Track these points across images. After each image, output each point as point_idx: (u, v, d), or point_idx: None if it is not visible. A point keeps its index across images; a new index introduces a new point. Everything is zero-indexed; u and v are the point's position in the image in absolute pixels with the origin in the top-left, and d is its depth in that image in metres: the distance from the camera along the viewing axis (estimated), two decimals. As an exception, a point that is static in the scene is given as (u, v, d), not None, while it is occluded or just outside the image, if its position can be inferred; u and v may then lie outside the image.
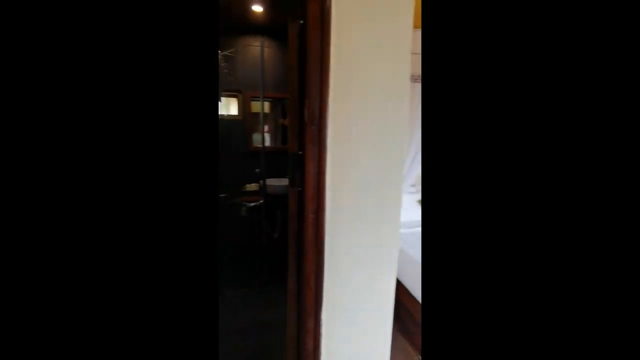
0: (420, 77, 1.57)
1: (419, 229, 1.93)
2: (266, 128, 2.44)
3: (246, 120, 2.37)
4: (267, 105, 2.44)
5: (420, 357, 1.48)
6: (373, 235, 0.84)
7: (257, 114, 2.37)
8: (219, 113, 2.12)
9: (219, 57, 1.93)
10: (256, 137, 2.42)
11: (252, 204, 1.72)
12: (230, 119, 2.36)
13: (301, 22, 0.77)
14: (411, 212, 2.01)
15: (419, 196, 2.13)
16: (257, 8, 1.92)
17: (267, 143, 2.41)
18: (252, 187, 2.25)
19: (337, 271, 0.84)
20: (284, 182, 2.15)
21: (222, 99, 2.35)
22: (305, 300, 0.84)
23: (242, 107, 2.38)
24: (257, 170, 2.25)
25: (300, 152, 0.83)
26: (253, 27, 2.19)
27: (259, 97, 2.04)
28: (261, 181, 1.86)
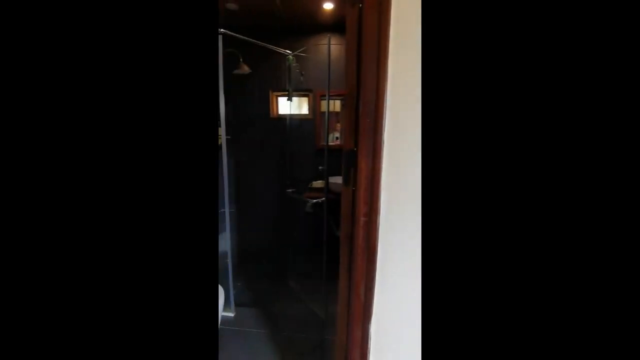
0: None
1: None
2: (338, 126, 2.44)
3: (316, 119, 2.42)
4: (337, 103, 2.43)
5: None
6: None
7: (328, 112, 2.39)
8: (291, 112, 2.21)
9: (290, 56, 2.01)
10: (331, 135, 2.45)
11: (315, 201, 1.74)
12: (300, 118, 2.45)
13: (360, 5, 0.70)
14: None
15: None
16: (328, 5, 1.92)
17: (339, 141, 2.40)
18: (318, 184, 2.28)
19: (389, 281, 0.74)
20: (350, 180, 2.10)
21: (294, 99, 2.45)
22: (353, 309, 0.77)
23: (313, 106, 2.44)
24: (320, 167, 2.26)
25: (355, 149, 0.77)
26: (323, 25, 2.20)
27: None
28: (327, 179, 1.87)
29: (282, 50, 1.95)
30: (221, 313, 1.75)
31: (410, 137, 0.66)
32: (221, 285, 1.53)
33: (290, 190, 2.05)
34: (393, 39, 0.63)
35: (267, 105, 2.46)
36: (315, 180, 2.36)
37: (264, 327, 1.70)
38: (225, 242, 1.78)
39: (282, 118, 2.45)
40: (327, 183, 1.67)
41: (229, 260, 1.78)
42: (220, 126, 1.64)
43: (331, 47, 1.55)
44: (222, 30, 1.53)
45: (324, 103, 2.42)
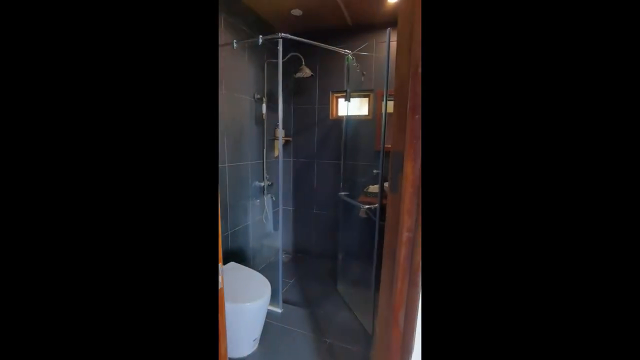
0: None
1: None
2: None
3: (376, 120, 2.30)
4: (399, 102, 2.26)
5: None
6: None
7: (388, 113, 2.24)
8: (348, 113, 2.15)
9: (349, 56, 1.95)
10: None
11: (368, 207, 1.63)
12: (360, 119, 2.36)
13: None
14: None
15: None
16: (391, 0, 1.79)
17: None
18: (374, 188, 2.16)
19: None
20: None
21: (355, 99, 2.38)
22: (390, 339, 0.67)
23: (373, 106, 2.33)
24: (375, 171, 2.13)
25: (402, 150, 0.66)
26: (388, 21, 2.07)
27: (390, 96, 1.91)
28: (382, 183, 1.74)
29: (341, 50, 1.90)
30: (269, 307, 1.80)
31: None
32: (271, 281, 1.57)
33: (343, 193, 1.99)
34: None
35: (327, 106, 2.46)
36: (373, 184, 2.24)
37: (308, 329, 1.68)
38: (278, 240, 1.84)
39: (342, 119, 2.41)
40: (382, 188, 1.55)
41: (280, 258, 1.83)
42: (278, 127, 1.69)
43: (392, 44, 1.43)
44: (281, 34, 1.58)
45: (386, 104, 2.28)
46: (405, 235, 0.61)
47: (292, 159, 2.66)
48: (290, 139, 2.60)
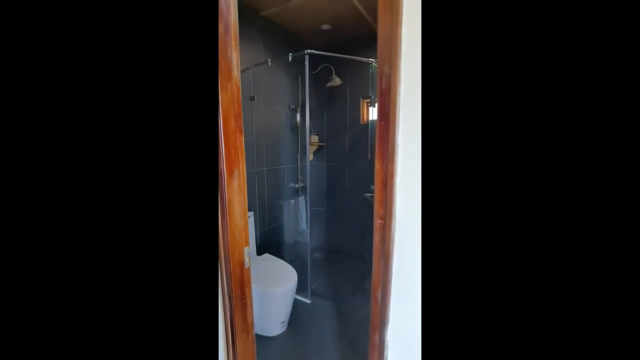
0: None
1: None
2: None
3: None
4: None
5: None
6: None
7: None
8: (372, 118, 2.24)
9: (373, 64, 2.04)
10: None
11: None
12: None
13: None
14: None
15: None
16: None
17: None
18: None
19: (406, 288, 0.70)
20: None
21: (384, 103, 2.45)
22: (371, 313, 0.77)
23: (402, 109, 2.36)
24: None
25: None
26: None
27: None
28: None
29: (365, 59, 2.02)
30: (299, 297, 1.99)
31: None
32: (302, 274, 1.76)
33: (368, 194, 2.08)
34: (406, 37, 0.62)
35: (357, 112, 2.58)
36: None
37: (334, 319, 1.81)
38: (308, 237, 2.02)
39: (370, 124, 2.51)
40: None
41: (308, 252, 2.00)
42: (312, 133, 1.87)
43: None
44: (308, 51, 1.77)
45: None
46: (378, 222, 0.72)
47: (325, 163, 2.84)
48: (323, 144, 2.78)
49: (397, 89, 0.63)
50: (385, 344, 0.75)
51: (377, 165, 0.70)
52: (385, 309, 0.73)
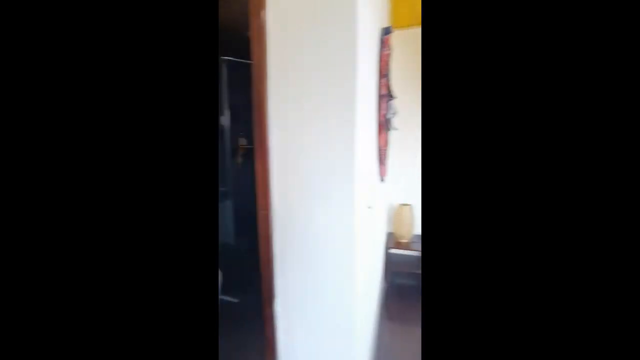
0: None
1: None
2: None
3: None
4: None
5: None
6: (323, 231, 0.81)
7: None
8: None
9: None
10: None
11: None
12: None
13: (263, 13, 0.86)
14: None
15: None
16: None
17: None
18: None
19: (289, 267, 0.87)
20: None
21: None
22: (262, 290, 0.91)
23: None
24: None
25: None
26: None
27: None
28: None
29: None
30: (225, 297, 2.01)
31: (296, 145, 0.80)
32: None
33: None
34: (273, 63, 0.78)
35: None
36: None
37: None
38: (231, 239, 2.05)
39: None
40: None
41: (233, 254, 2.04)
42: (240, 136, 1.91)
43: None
44: (225, 57, 1.84)
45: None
46: (262, 213, 0.86)
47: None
48: (252, 146, 2.84)
49: (264, 99, 0.78)
50: (275, 314, 0.89)
51: (257, 165, 0.84)
52: (270, 286, 0.87)
